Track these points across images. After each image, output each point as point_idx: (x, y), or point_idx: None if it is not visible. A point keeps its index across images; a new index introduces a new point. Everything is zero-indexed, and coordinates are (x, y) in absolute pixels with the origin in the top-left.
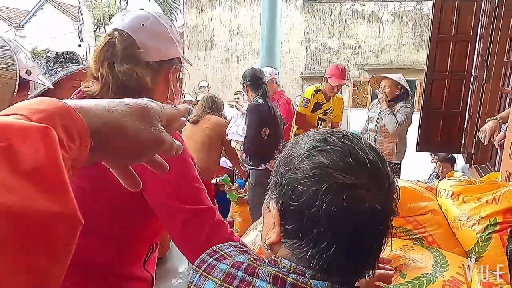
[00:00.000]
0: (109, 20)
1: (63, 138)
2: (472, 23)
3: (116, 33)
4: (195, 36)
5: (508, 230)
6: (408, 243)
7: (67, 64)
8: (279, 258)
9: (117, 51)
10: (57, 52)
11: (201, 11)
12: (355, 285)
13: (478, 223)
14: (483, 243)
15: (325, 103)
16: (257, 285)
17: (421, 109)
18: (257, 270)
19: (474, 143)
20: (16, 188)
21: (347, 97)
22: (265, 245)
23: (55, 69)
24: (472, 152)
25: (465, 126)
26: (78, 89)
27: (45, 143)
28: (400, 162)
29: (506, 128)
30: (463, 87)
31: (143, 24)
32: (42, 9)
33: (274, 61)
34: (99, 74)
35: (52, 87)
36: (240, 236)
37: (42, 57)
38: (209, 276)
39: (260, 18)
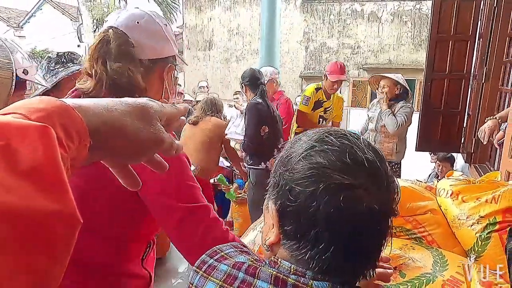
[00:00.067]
0: None
1: (62, 137)
2: (471, 23)
3: (110, 30)
4: (195, 36)
5: (508, 229)
6: (407, 243)
7: (68, 64)
8: (279, 259)
9: (111, 48)
10: (58, 53)
11: (200, 11)
12: (356, 285)
13: (478, 223)
14: (483, 243)
15: (326, 101)
16: (258, 285)
17: (420, 108)
18: (258, 270)
19: (473, 143)
20: (15, 188)
21: (347, 97)
22: (265, 245)
23: (56, 69)
24: (472, 151)
25: (465, 125)
26: (74, 88)
27: (44, 142)
28: (400, 162)
29: (506, 127)
30: (462, 87)
31: (137, 22)
32: (41, 9)
33: (273, 61)
34: (93, 71)
35: (49, 87)
36: (240, 236)
37: (41, 57)
38: (209, 277)
39: (260, 18)
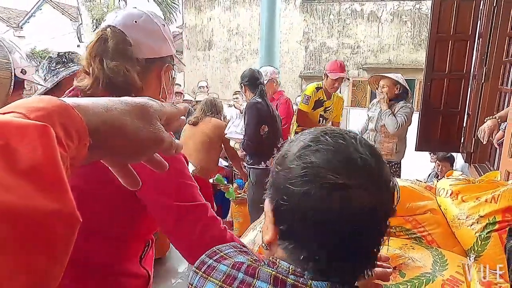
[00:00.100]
0: None
1: (61, 136)
2: (471, 22)
3: (108, 29)
4: (194, 36)
5: (507, 229)
6: (407, 242)
7: (69, 64)
8: (277, 260)
9: (109, 46)
10: (59, 53)
11: (200, 11)
12: (355, 284)
13: (477, 222)
14: (482, 242)
15: (326, 100)
16: (257, 286)
17: (420, 108)
18: (257, 270)
19: (473, 142)
20: (14, 187)
21: (346, 97)
22: (263, 244)
23: (57, 69)
24: (471, 151)
25: (464, 125)
26: (71, 88)
27: (43, 142)
28: (400, 162)
29: (505, 127)
30: (462, 86)
31: (135, 22)
32: (40, 9)
33: (273, 61)
34: (91, 69)
35: (50, 86)
36: (240, 236)
37: (41, 57)
38: (209, 277)
39: (259, 18)
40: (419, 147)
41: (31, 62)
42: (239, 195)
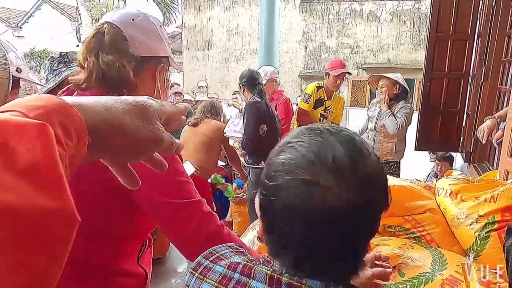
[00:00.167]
0: None
1: (60, 135)
2: (470, 22)
3: (106, 24)
4: (194, 36)
5: (506, 228)
6: (406, 242)
7: (71, 64)
8: (272, 258)
9: (105, 40)
10: (61, 53)
11: (200, 11)
12: (350, 283)
13: (477, 222)
14: (482, 242)
15: (327, 100)
16: (253, 286)
17: (419, 108)
18: (253, 270)
19: (472, 142)
20: (13, 186)
21: (346, 96)
22: (257, 237)
23: (59, 69)
24: (471, 150)
25: (464, 125)
26: (66, 87)
27: (42, 140)
28: (399, 162)
29: (504, 127)
30: (461, 86)
31: (133, 20)
32: (40, 9)
33: (272, 61)
34: (86, 63)
35: (51, 86)
36: (239, 236)
37: (40, 57)
38: (205, 278)
39: (259, 18)
40: (419, 147)
41: (30, 62)
42: (238, 195)
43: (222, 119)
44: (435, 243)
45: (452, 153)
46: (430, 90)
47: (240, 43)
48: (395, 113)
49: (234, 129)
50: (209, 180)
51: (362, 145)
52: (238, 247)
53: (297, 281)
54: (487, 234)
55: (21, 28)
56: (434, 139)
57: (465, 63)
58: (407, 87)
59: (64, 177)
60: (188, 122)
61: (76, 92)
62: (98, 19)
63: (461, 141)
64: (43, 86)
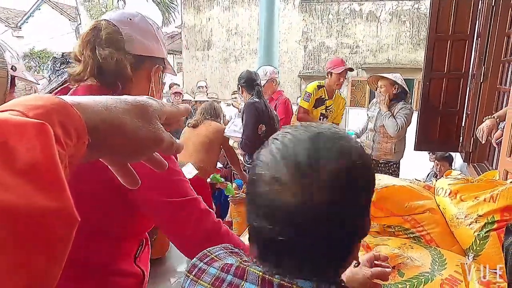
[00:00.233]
0: None
1: (60, 134)
2: (470, 22)
3: (103, 21)
4: (193, 36)
5: (505, 228)
6: (406, 242)
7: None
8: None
9: (102, 35)
10: (63, 53)
11: (199, 11)
12: (343, 284)
13: (476, 222)
14: (481, 242)
15: (328, 99)
16: (245, 287)
17: (419, 108)
18: (246, 271)
19: (472, 142)
20: (13, 186)
21: (346, 96)
22: None
23: (62, 69)
24: (470, 150)
25: (463, 124)
26: (62, 86)
27: (41, 140)
28: (399, 162)
29: (504, 127)
30: (460, 86)
31: (130, 19)
32: (39, 9)
33: (272, 60)
34: (82, 57)
35: (38, 83)
36: (239, 236)
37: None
38: (199, 280)
39: (258, 18)
40: (418, 147)
41: (29, 62)
42: (238, 195)
43: (221, 121)
44: (435, 243)
45: (452, 153)
46: (430, 90)
47: (240, 43)
48: (394, 113)
49: (234, 129)
50: (208, 180)
51: (334, 143)
52: (233, 248)
53: (288, 282)
54: (486, 234)
55: (20, 28)
56: (434, 139)
57: (464, 63)
58: (406, 87)
59: (63, 177)
60: (188, 123)
61: (72, 89)
62: (98, 19)
63: (461, 141)
64: (38, 84)
